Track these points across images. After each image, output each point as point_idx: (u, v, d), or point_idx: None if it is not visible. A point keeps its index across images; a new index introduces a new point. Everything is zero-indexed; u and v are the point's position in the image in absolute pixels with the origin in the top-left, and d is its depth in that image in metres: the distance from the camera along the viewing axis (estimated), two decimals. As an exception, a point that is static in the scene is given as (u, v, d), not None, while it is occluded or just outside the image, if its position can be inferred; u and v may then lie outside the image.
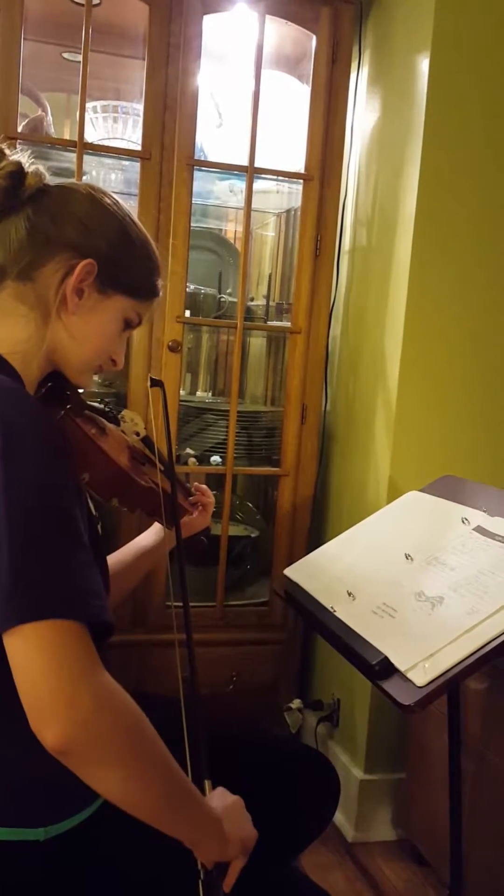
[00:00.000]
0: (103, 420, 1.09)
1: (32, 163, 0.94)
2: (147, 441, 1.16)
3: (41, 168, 0.94)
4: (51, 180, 0.96)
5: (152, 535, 1.27)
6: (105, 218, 0.95)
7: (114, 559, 1.23)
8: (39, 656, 0.73)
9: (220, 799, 0.92)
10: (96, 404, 1.12)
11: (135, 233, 0.98)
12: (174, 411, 1.84)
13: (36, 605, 0.74)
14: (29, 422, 0.82)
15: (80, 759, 0.75)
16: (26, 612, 0.73)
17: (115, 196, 0.98)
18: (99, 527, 0.99)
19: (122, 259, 0.96)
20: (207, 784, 0.94)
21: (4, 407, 0.81)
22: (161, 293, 1.03)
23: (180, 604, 1.06)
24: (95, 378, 1.63)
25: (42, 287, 0.92)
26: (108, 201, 0.96)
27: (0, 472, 0.76)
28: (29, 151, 0.96)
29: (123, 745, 0.77)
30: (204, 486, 1.28)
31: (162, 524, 1.18)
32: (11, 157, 0.92)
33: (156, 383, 1.16)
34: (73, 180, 1.00)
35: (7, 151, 0.93)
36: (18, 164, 0.92)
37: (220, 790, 0.94)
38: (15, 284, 0.92)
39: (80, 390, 1.03)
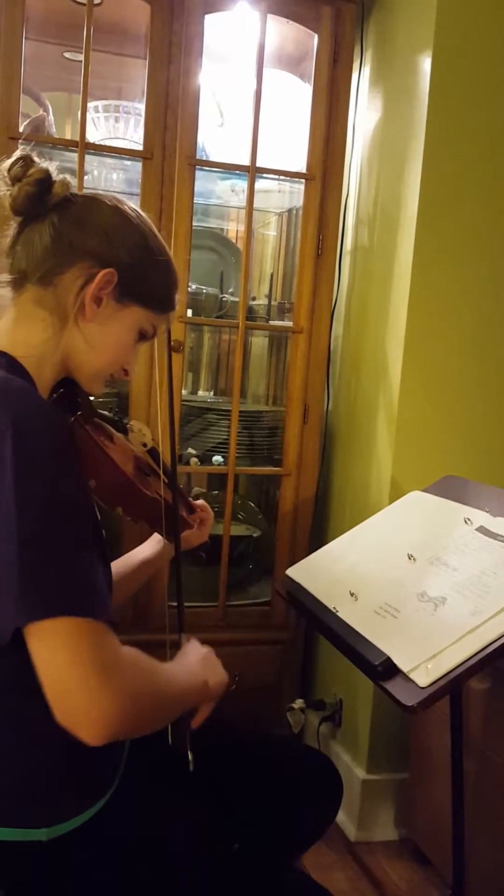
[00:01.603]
0: (111, 429, 1.09)
1: (60, 172, 0.95)
2: (153, 453, 1.17)
3: (67, 177, 0.95)
4: (75, 189, 0.97)
5: (152, 545, 1.27)
6: (128, 229, 0.96)
7: (114, 568, 1.23)
8: (63, 653, 0.75)
9: (195, 651, 1.03)
10: (105, 413, 1.12)
11: (156, 246, 0.99)
12: (175, 410, 1.84)
13: (52, 602, 0.76)
14: (41, 421, 0.83)
15: (118, 739, 0.79)
16: (42, 609, 0.75)
17: (137, 209, 0.99)
18: (102, 533, 1.00)
19: (141, 271, 0.97)
20: (184, 637, 1.07)
21: (17, 406, 0.82)
22: (177, 309, 1.04)
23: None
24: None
25: (62, 293, 0.93)
26: (132, 213, 0.98)
27: (11, 469, 0.77)
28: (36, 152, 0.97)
29: (151, 714, 0.85)
30: (204, 503, 1.29)
31: (163, 536, 1.18)
32: (40, 165, 0.93)
33: None
34: (97, 192, 1.01)
35: (36, 159, 0.94)
36: (46, 172, 0.93)
37: (193, 643, 1.06)
38: (35, 289, 0.93)
39: (91, 397, 1.03)
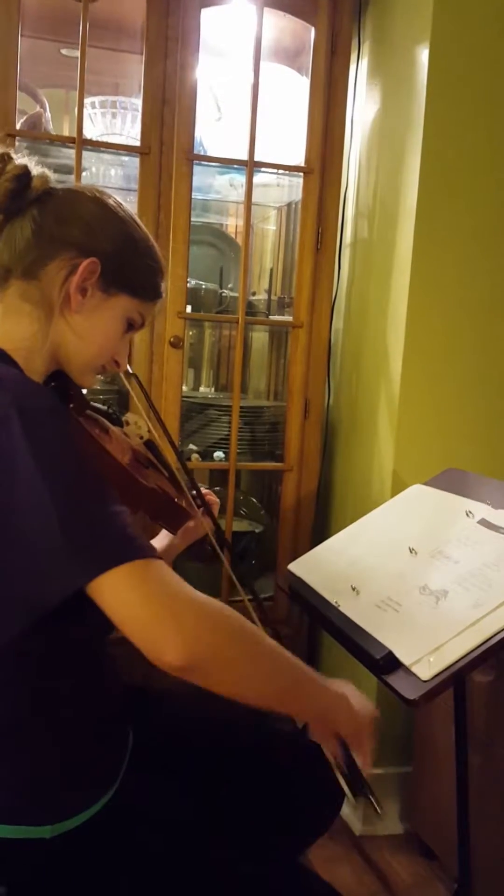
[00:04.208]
0: (106, 422, 1.08)
1: (38, 166, 0.96)
2: (150, 445, 1.16)
3: (47, 171, 0.96)
4: (56, 183, 0.97)
5: (161, 539, 1.27)
6: (109, 219, 0.96)
7: None
8: (133, 593, 0.78)
9: (335, 683, 0.98)
10: (100, 406, 1.11)
11: (138, 234, 0.99)
12: (176, 406, 1.84)
13: (109, 555, 0.78)
14: (41, 399, 0.85)
15: (206, 670, 0.80)
16: (102, 563, 0.78)
17: (118, 198, 1.00)
18: None
19: (125, 259, 0.97)
20: None
21: (14, 388, 0.83)
22: (164, 295, 1.04)
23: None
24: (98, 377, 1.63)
25: (46, 285, 0.93)
26: (113, 203, 0.98)
27: (25, 446, 0.78)
28: (28, 150, 0.97)
29: (237, 643, 0.83)
30: (208, 491, 1.28)
31: (166, 528, 1.17)
32: (18, 161, 0.94)
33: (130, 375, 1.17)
34: (78, 183, 1.02)
35: (13, 155, 0.94)
36: (25, 168, 0.93)
37: (329, 680, 0.99)
38: (19, 283, 0.93)
39: (84, 390, 1.03)
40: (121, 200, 1.00)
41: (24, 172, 0.93)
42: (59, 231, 0.93)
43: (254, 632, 0.85)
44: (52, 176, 0.96)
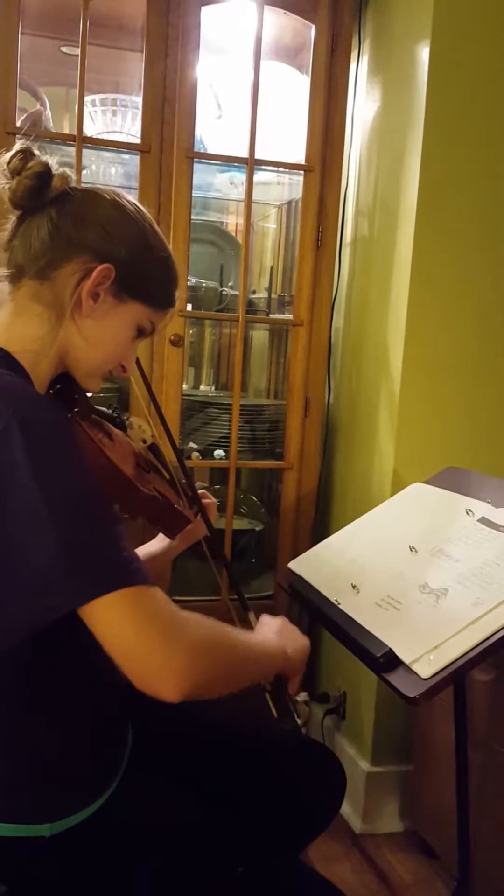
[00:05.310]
0: (110, 425, 1.08)
1: (60, 165, 0.94)
2: (154, 449, 1.15)
3: (68, 171, 0.95)
4: (74, 182, 0.96)
5: (160, 541, 1.27)
6: (127, 225, 0.95)
7: None
8: (124, 623, 0.77)
9: (270, 626, 1.05)
10: (104, 409, 1.11)
11: (155, 242, 0.98)
12: (176, 405, 1.84)
13: (104, 579, 0.78)
14: (42, 411, 0.84)
15: (196, 695, 0.81)
16: (98, 587, 0.77)
17: (137, 203, 0.99)
18: None
19: (140, 266, 0.96)
20: (251, 616, 1.08)
21: (16, 400, 0.82)
22: (177, 304, 1.03)
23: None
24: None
25: (59, 287, 0.92)
26: (131, 208, 0.97)
27: (26, 462, 0.77)
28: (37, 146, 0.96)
29: (225, 668, 0.87)
30: (205, 492, 1.28)
31: (164, 533, 1.17)
32: (39, 158, 0.93)
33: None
34: (99, 185, 1.01)
35: (36, 153, 0.93)
36: (46, 165, 0.92)
37: (265, 617, 1.08)
38: (32, 283, 0.93)
39: (88, 394, 1.02)
40: (140, 206, 0.98)
41: (46, 170, 0.92)
42: (76, 234, 0.92)
43: (232, 642, 0.89)
44: (72, 176, 0.95)
